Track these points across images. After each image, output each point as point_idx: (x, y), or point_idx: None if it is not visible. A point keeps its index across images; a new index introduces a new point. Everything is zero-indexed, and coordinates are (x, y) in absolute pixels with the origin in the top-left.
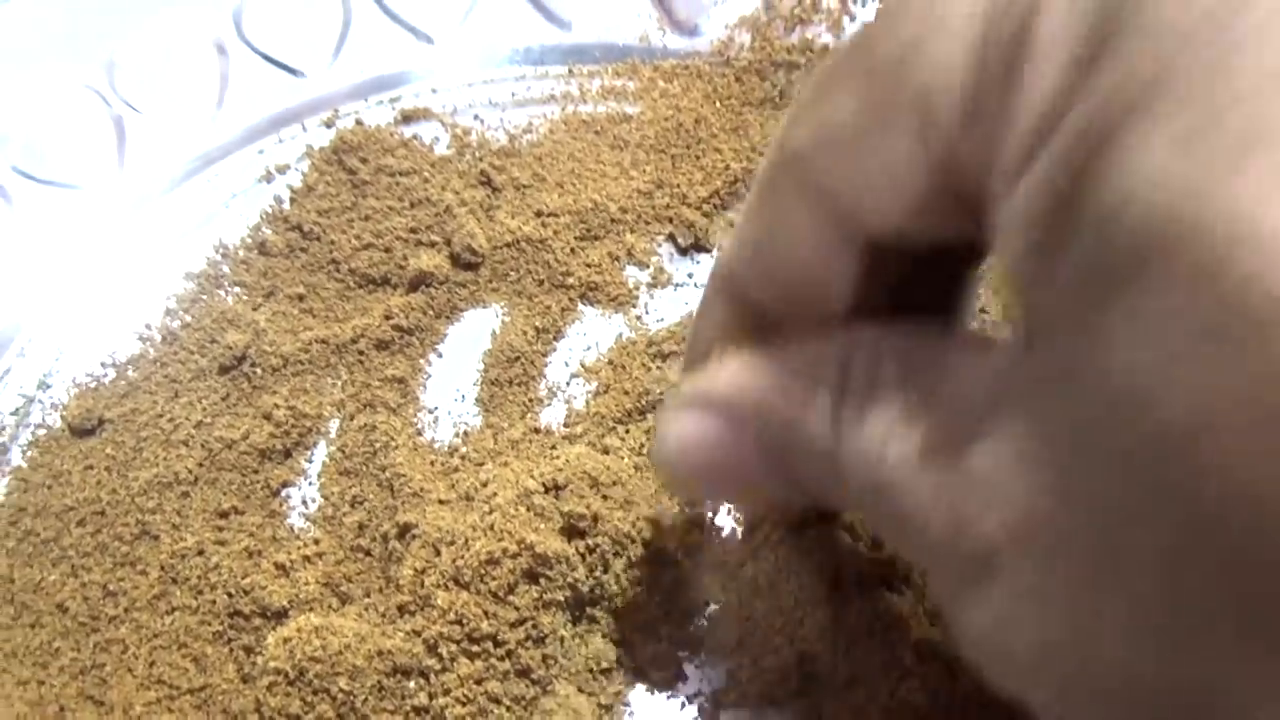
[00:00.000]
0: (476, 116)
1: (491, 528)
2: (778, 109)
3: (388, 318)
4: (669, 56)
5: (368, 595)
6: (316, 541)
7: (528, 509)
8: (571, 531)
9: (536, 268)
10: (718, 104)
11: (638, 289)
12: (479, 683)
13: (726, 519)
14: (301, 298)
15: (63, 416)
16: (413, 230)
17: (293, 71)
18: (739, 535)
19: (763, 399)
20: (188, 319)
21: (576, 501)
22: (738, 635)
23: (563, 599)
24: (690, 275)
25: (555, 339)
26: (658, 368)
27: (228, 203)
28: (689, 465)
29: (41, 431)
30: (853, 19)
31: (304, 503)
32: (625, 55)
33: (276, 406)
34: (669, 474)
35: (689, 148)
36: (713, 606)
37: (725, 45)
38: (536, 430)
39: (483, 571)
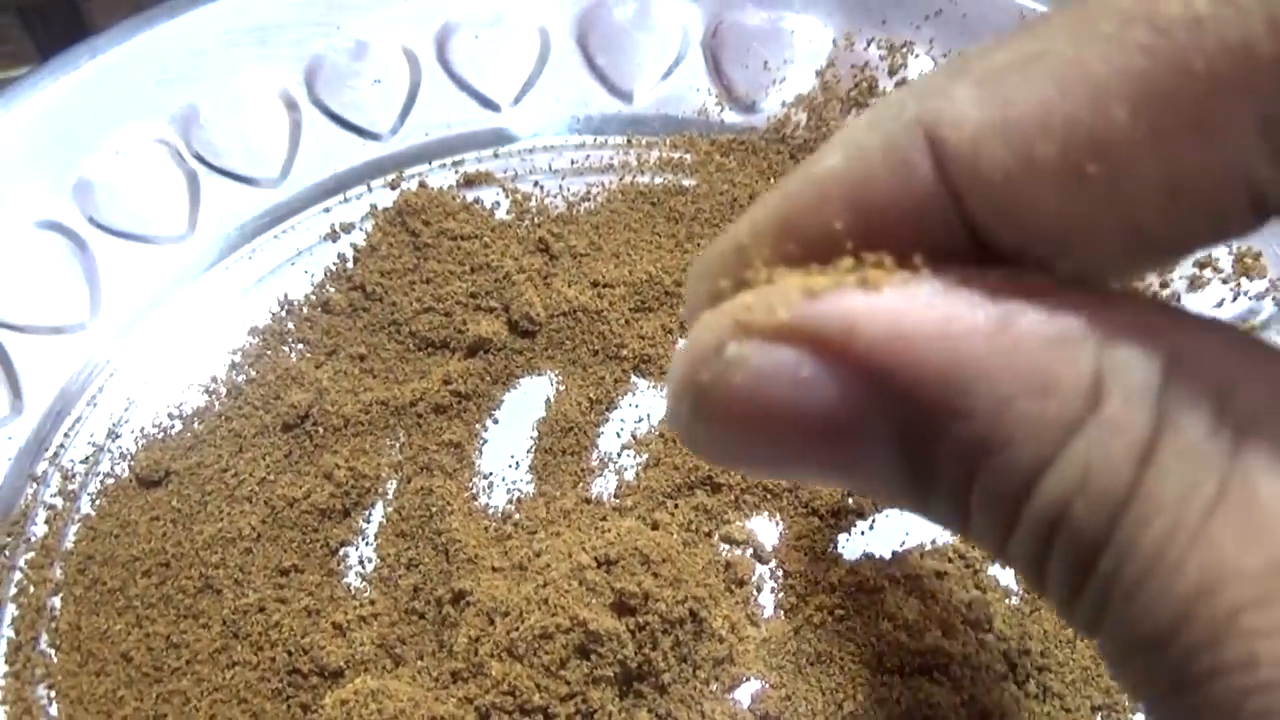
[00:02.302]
0: (536, 183)
1: (545, 601)
2: None
3: (446, 382)
4: (726, 131)
5: (420, 658)
6: (372, 602)
7: (580, 583)
8: (622, 608)
9: (591, 338)
10: (772, 181)
11: None
12: None
13: (770, 596)
14: (363, 358)
15: (130, 467)
16: (472, 295)
17: (361, 133)
18: (783, 614)
19: (975, 378)
20: (252, 374)
21: (628, 579)
22: (779, 712)
23: (612, 674)
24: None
25: (608, 410)
26: None
27: (293, 259)
28: (759, 419)
29: (110, 481)
30: None
31: (361, 562)
32: (683, 128)
33: (337, 467)
34: (715, 416)
35: None
36: (756, 683)
37: (781, 123)
38: (588, 500)
39: (536, 645)
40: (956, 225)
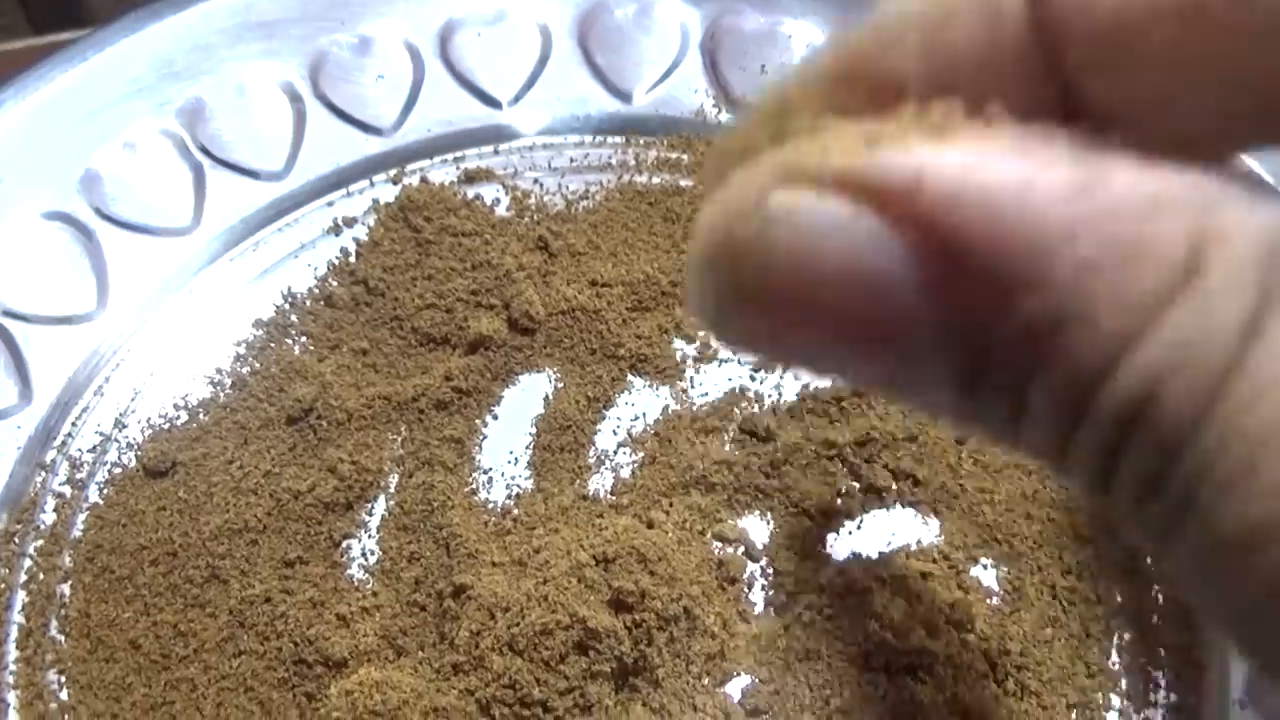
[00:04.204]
0: (536, 180)
1: (545, 599)
2: None
3: (448, 379)
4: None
5: (422, 649)
6: (375, 594)
7: (579, 581)
8: (619, 605)
9: (590, 337)
10: None
11: (685, 363)
12: None
13: (760, 594)
14: (365, 352)
15: (137, 457)
16: (473, 293)
17: (364, 128)
18: (773, 611)
19: (1056, 242)
20: (256, 366)
21: (625, 577)
22: (768, 707)
23: (609, 669)
24: (735, 351)
25: (605, 408)
26: (701, 443)
27: (297, 252)
28: (803, 288)
29: (117, 470)
30: None
31: (364, 554)
32: (681, 129)
33: (341, 461)
34: (751, 282)
35: None
36: (746, 678)
37: None
38: (584, 497)
39: (536, 641)
40: (1042, 77)
